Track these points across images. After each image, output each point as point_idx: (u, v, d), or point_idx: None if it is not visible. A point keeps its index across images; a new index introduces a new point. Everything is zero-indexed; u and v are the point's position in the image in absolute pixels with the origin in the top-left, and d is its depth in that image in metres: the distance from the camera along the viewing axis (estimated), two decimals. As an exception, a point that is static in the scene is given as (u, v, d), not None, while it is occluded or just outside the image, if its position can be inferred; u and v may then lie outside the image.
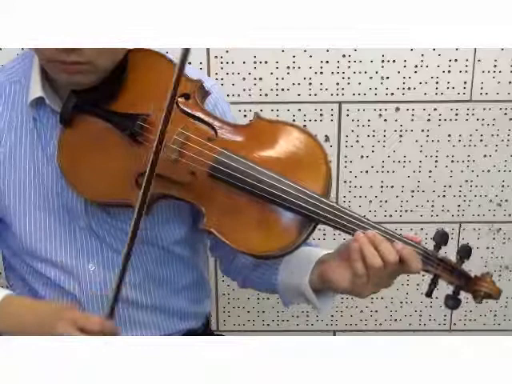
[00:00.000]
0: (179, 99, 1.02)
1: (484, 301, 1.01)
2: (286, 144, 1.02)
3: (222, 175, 0.98)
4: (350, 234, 0.97)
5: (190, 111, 1.02)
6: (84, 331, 0.91)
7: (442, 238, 1.00)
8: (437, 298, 1.02)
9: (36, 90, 1.03)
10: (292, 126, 1.03)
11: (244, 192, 0.98)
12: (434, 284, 1.00)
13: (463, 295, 1.01)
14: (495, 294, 1.00)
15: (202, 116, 1.03)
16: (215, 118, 1.03)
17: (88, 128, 1.02)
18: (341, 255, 1.00)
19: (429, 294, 1.00)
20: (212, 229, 0.99)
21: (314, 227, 0.99)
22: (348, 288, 0.98)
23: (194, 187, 1.00)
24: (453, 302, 1.00)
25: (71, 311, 0.96)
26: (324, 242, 0.98)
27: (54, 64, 0.97)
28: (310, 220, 0.98)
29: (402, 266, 0.95)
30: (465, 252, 1.00)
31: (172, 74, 1.00)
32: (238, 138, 1.03)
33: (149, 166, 0.91)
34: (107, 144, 1.02)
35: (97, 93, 1.01)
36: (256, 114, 1.04)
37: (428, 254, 0.98)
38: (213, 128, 1.02)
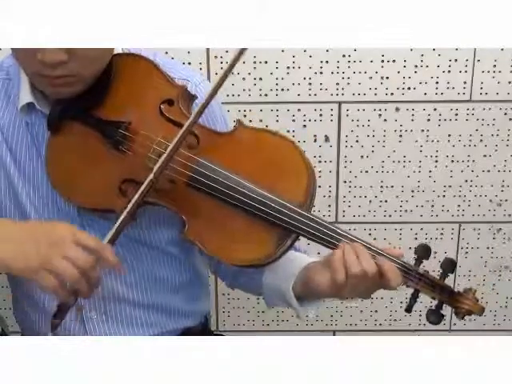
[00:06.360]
0: (162, 106, 1.01)
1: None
2: (268, 153, 1.00)
3: (199, 185, 0.97)
4: (327, 247, 0.97)
5: (173, 118, 1.00)
6: (81, 245, 0.90)
7: (423, 253, 0.98)
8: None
9: (26, 95, 1.02)
10: (275, 134, 1.01)
11: (222, 202, 0.97)
12: (414, 299, 0.99)
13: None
14: (477, 311, 0.98)
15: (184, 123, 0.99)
16: (198, 124, 1.00)
17: (74, 134, 1.01)
18: (324, 262, 1.00)
19: (408, 310, 0.99)
20: (192, 237, 0.99)
21: (295, 239, 0.98)
22: (327, 292, 0.98)
23: (174, 195, 0.99)
24: (435, 317, 0.99)
25: (69, 226, 0.93)
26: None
27: (39, 78, 0.96)
28: (288, 232, 0.97)
29: (381, 280, 0.95)
30: (449, 266, 0.98)
31: (154, 76, 1.00)
32: (220, 147, 1.01)
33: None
34: (92, 150, 1.01)
35: (83, 99, 0.99)
36: (238, 121, 1.02)
37: (408, 270, 0.97)
38: (195, 136, 1.00)
